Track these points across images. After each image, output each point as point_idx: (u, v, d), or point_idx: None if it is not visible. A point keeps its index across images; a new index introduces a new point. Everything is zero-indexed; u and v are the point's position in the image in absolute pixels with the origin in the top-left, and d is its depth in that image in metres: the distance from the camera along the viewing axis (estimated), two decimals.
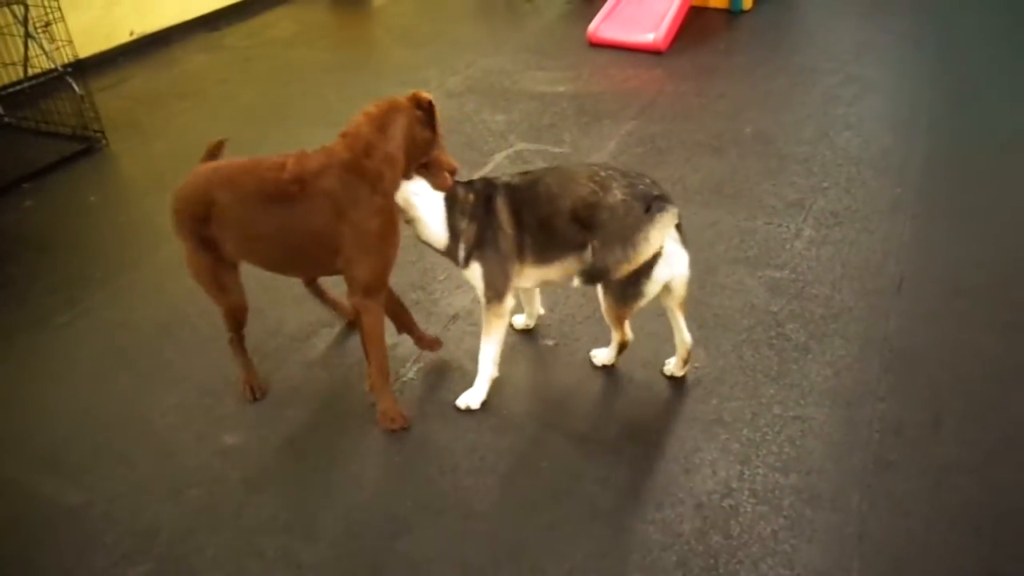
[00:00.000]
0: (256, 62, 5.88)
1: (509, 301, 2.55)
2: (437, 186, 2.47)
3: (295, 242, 2.41)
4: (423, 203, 2.50)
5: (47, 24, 4.77)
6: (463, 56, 5.67)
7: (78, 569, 2.20)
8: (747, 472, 2.34)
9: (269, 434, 2.60)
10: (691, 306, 3.00)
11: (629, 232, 2.35)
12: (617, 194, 2.41)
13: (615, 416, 2.58)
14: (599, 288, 2.53)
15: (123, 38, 5.95)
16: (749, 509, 2.23)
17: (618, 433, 2.51)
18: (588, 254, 2.47)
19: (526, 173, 2.62)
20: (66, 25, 4.73)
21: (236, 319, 2.64)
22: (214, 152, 2.60)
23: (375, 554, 2.20)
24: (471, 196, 2.52)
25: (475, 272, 2.54)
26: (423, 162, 2.41)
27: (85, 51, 5.23)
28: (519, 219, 2.50)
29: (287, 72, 5.68)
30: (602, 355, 2.77)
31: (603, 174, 2.47)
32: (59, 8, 4.67)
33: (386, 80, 5.35)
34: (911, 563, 2.10)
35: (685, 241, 2.50)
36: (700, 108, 4.67)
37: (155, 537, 2.27)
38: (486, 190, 2.54)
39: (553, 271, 2.58)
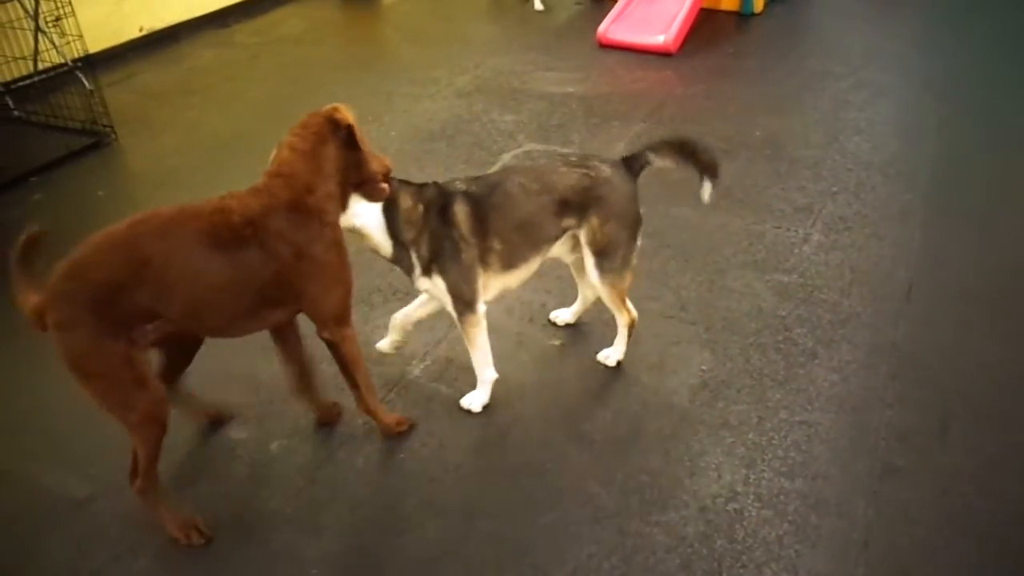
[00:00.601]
0: (264, 59, 5.89)
1: (481, 307, 2.49)
2: (374, 199, 2.33)
3: (254, 288, 2.13)
4: (361, 218, 2.36)
5: (57, 19, 4.79)
6: (472, 56, 5.67)
7: (82, 560, 2.20)
8: (752, 476, 2.33)
9: (274, 429, 2.60)
10: (699, 309, 3.01)
11: (631, 198, 2.53)
12: (606, 168, 2.50)
13: (620, 418, 2.57)
14: (594, 275, 2.55)
15: (132, 34, 5.96)
16: (754, 513, 2.22)
17: (623, 435, 2.50)
18: (558, 245, 2.58)
19: (478, 178, 2.53)
20: (76, 20, 4.75)
21: (159, 424, 2.13)
22: (29, 247, 2.06)
23: (378, 551, 2.19)
24: (420, 205, 2.39)
25: (438, 286, 2.44)
26: (356, 182, 2.27)
27: (95, 46, 5.24)
28: (484, 227, 2.41)
29: (295, 69, 5.68)
30: (614, 353, 2.76)
31: (574, 158, 2.58)
32: (69, 3, 4.69)
33: (395, 79, 5.35)
34: (916, 570, 2.09)
35: None
36: (710, 111, 4.66)
37: (160, 530, 2.27)
38: (440, 199, 2.41)
39: (515, 277, 2.55)
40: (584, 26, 5.98)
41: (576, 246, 2.59)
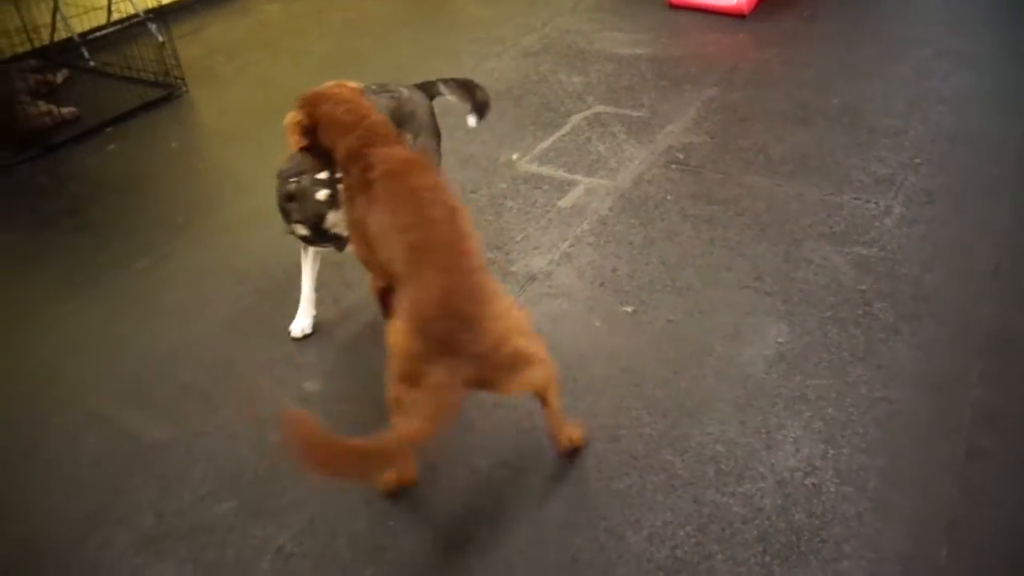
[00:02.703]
0: (329, 14, 5.87)
1: None
2: None
3: None
4: None
5: None
6: (538, 14, 5.57)
7: (166, 501, 2.27)
8: (831, 452, 2.29)
9: (347, 384, 2.64)
10: (775, 280, 2.95)
11: (431, 113, 2.95)
12: (405, 91, 2.88)
13: (695, 387, 2.54)
14: None
15: None
16: (833, 489, 2.19)
17: (697, 404, 2.47)
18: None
19: None
20: None
21: None
22: None
23: (453, 508, 2.22)
24: None
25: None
26: None
27: None
28: None
29: (360, 25, 5.66)
30: None
31: (375, 87, 2.82)
32: None
33: (459, 37, 5.29)
34: (1002, 553, 2.03)
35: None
36: (784, 76, 4.52)
37: (240, 477, 2.33)
38: None
39: None
40: None
41: None
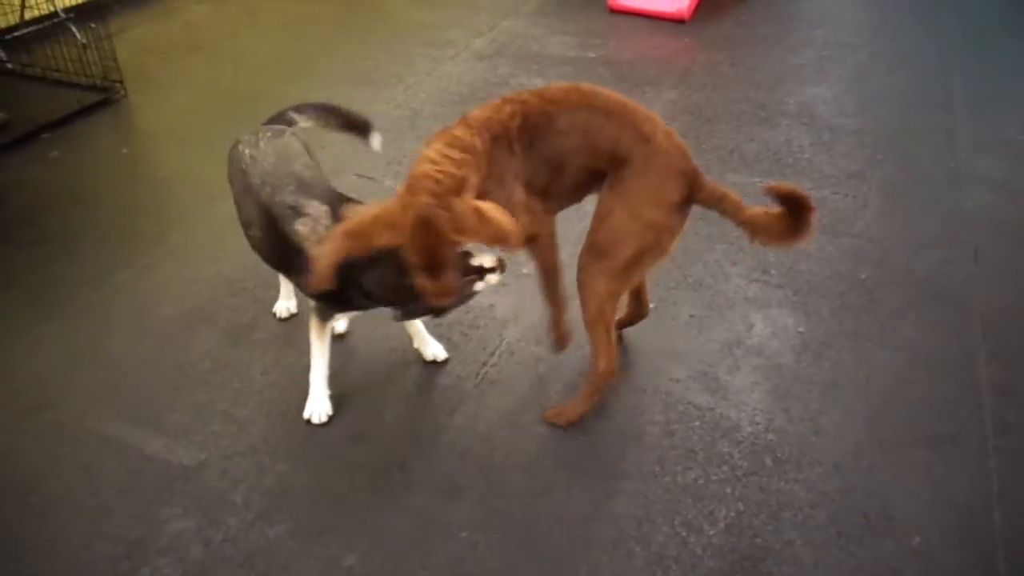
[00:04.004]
0: (263, 15, 5.63)
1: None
2: None
3: None
4: None
5: None
6: (482, 18, 5.54)
7: (211, 529, 2.10)
8: (875, 435, 2.38)
9: (382, 393, 2.53)
10: (781, 272, 3.04)
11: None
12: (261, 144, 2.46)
13: (733, 379, 2.58)
14: None
15: None
16: (885, 469, 2.27)
17: (739, 396, 2.51)
18: None
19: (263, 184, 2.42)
20: None
21: None
22: None
23: (523, 512, 2.16)
24: None
25: None
26: None
27: None
28: None
29: (298, 27, 5.47)
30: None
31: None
32: None
33: (408, 40, 5.19)
34: None
35: None
36: (737, 78, 4.68)
37: (287, 496, 2.19)
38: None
39: None
40: None
41: None
